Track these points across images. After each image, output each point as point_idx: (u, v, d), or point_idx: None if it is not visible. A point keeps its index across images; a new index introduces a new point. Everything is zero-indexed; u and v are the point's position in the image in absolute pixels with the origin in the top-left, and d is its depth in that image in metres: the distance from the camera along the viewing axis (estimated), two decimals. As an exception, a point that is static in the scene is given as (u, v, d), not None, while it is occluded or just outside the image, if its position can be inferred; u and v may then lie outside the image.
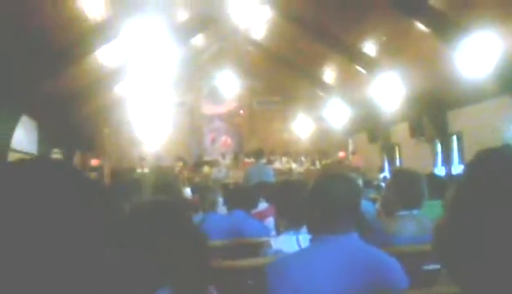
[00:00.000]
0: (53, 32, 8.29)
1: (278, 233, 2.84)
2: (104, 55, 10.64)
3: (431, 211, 2.95)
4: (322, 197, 1.84)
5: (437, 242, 0.82)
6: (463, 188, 0.78)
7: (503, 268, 0.69)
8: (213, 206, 4.16)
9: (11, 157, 9.03)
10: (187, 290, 1.46)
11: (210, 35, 14.78)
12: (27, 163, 0.68)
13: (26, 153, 10.08)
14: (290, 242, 2.53)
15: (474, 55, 8.28)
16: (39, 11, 7.57)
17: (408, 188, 2.81)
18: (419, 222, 2.78)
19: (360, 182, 5.86)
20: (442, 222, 0.81)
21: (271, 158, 14.68)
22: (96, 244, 0.64)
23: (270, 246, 2.64)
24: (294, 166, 15.20)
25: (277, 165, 14.42)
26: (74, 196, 0.65)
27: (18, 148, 9.68)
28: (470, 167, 0.79)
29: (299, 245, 2.48)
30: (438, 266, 2.11)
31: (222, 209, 4.55)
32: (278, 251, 2.51)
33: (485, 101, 9.90)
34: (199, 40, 14.56)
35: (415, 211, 2.78)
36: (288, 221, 2.64)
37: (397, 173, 3.25)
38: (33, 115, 10.75)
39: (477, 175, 0.76)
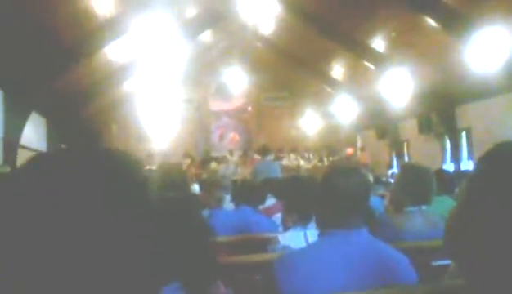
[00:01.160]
0: (62, 28, 8.33)
1: (285, 229, 2.84)
2: (113, 52, 10.67)
3: (440, 207, 2.93)
4: (332, 191, 1.82)
5: (447, 233, 0.81)
6: (476, 179, 0.77)
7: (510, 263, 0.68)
8: (219, 202, 4.16)
9: (21, 153, 9.09)
10: (196, 284, 1.46)
11: (218, 31, 14.76)
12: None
13: (35, 150, 10.14)
14: (298, 238, 2.53)
15: (484, 50, 8.19)
16: (49, 8, 7.60)
17: (417, 183, 2.78)
18: (427, 218, 2.75)
19: (370, 178, 5.84)
20: (454, 213, 0.80)
21: (279, 154, 14.65)
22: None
23: (277, 242, 2.64)
24: (301, 162, 15.17)
25: (285, 161, 14.40)
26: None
27: (27, 144, 9.73)
28: (485, 159, 0.78)
29: (307, 241, 2.47)
30: (447, 262, 2.10)
31: (230, 205, 4.54)
32: (286, 247, 2.51)
33: (494, 97, 9.82)
34: (207, 36, 14.56)
35: (423, 207, 2.75)
36: (297, 217, 2.63)
37: (405, 168, 3.20)
38: (42, 112, 10.82)
39: (491, 167, 0.75)
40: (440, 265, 2.33)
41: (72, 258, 0.58)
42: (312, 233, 2.46)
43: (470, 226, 0.74)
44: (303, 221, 2.59)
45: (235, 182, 8.41)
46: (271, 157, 8.90)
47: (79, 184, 0.62)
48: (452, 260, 0.81)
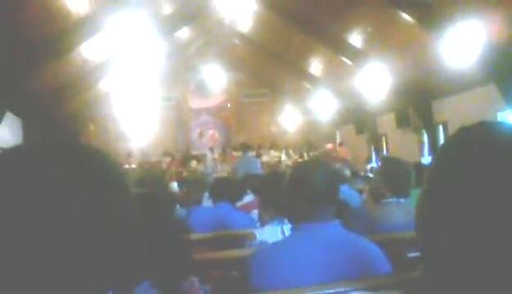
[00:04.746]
0: (36, 27, 8.17)
1: (262, 224, 2.83)
2: (88, 50, 10.51)
3: (416, 199, 2.95)
4: (299, 184, 1.82)
5: (416, 219, 0.81)
6: (441, 165, 0.76)
7: (471, 248, 0.68)
8: (198, 200, 4.14)
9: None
10: (168, 282, 1.44)
11: (196, 28, 14.68)
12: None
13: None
14: (275, 233, 2.52)
15: (459, 44, 8.29)
16: (21, 5, 7.45)
17: (396, 175, 2.84)
18: (405, 210, 2.78)
19: (347, 173, 5.88)
20: (420, 202, 0.79)
21: (260, 151, 14.68)
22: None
23: (255, 237, 2.63)
24: (282, 158, 15.22)
25: (265, 158, 14.43)
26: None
27: (3, 145, 9.53)
28: (449, 143, 0.77)
29: (284, 235, 2.47)
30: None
31: (208, 202, 4.52)
32: (263, 243, 2.50)
33: (470, 90, 9.95)
34: (184, 33, 14.46)
35: (402, 200, 2.79)
36: (273, 212, 2.63)
37: (386, 160, 3.28)
38: (17, 112, 10.61)
39: (455, 152, 0.74)
40: (416, 257, 2.34)
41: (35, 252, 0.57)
42: (288, 228, 2.46)
43: (434, 215, 0.73)
44: (279, 216, 2.58)
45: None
46: (251, 153, 8.92)
47: (51, 181, 0.61)
48: (420, 250, 0.79)
